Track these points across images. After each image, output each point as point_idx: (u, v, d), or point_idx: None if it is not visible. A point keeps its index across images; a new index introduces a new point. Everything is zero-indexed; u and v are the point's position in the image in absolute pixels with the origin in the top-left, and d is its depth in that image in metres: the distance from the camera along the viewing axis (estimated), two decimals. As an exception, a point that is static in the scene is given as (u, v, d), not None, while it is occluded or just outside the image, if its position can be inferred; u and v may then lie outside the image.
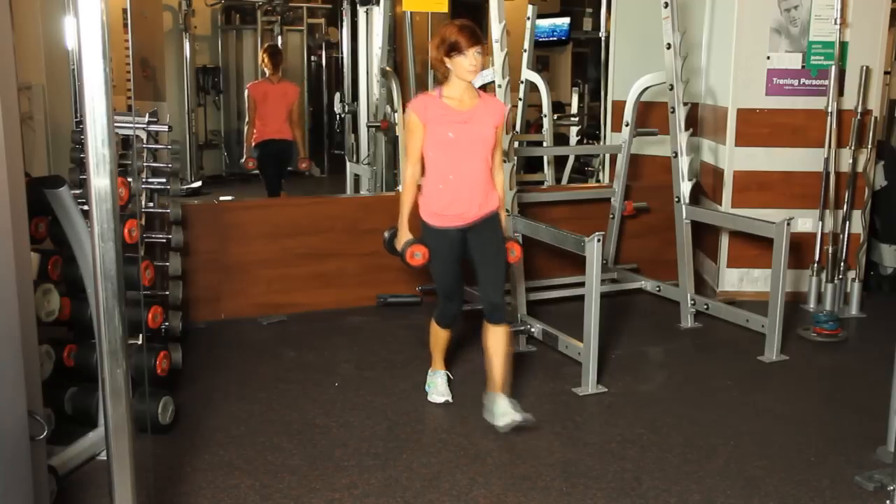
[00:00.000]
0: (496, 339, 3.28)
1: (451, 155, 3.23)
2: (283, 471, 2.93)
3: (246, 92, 6.23)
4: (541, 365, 3.99)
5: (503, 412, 3.16)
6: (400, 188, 3.45)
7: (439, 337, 3.54)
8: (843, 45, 4.83)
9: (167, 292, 3.80)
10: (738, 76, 4.93)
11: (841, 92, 4.85)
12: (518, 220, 4.26)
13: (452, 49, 3.16)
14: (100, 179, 1.75)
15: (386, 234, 3.54)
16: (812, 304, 4.91)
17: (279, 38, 10.14)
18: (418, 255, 3.27)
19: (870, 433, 3.22)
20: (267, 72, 6.18)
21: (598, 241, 3.62)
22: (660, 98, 4.96)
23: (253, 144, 6.17)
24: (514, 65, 5.13)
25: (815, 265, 4.92)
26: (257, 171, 6.44)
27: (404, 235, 3.33)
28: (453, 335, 3.61)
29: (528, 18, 6.79)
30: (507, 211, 3.69)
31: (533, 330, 4.10)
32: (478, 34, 3.19)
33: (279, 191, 6.38)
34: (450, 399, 3.53)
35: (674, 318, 4.70)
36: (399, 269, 4.93)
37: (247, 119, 6.23)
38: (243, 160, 6.38)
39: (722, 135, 5.06)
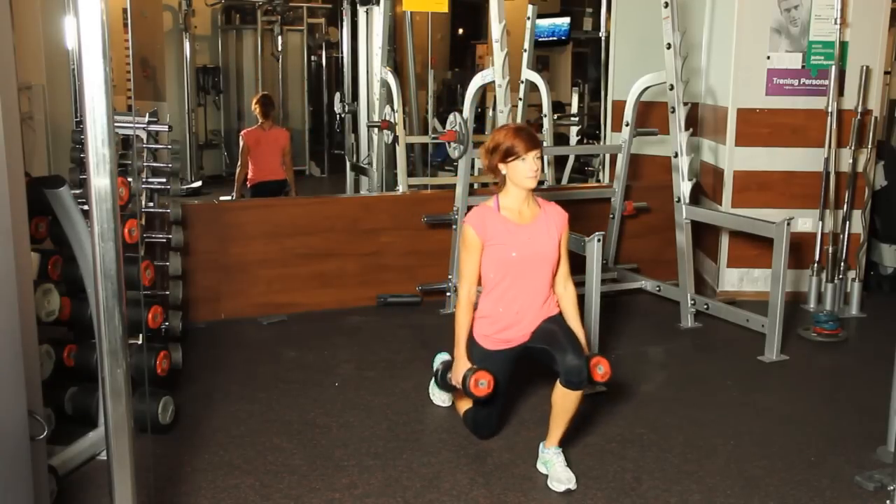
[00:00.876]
0: (569, 402, 2.84)
1: (512, 274, 2.95)
2: (283, 471, 2.93)
3: (240, 138, 6.51)
4: (541, 365, 3.98)
5: (559, 478, 2.82)
6: (455, 310, 3.05)
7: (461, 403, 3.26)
8: (843, 45, 4.83)
9: (167, 292, 3.80)
10: (738, 76, 4.93)
11: (841, 92, 4.85)
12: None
13: (509, 155, 2.88)
14: (100, 179, 1.75)
15: (438, 367, 3.26)
16: (812, 304, 4.91)
17: (279, 38, 10.15)
18: (483, 384, 2.86)
19: (870, 433, 3.22)
20: (259, 119, 6.44)
21: (599, 240, 3.62)
22: (660, 98, 4.97)
23: (248, 186, 6.43)
24: (514, 65, 5.13)
25: (816, 265, 4.92)
26: None
27: (463, 364, 2.95)
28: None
29: (528, 18, 6.79)
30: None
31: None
32: (535, 138, 2.93)
33: None
34: (449, 403, 3.52)
35: (674, 318, 4.70)
36: (399, 269, 4.96)
37: (239, 162, 6.47)
38: (233, 198, 6.58)
39: (722, 135, 5.06)
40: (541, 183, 6.34)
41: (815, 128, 4.89)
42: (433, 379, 3.57)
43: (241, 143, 6.44)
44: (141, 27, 7.79)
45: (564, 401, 2.84)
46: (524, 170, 2.89)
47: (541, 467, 2.93)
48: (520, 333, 3.01)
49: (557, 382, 2.83)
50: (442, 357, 3.48)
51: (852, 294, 4.91)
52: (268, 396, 3.60)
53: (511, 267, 2.95)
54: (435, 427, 3.34)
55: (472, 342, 3.04)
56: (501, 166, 2.93)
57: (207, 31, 10.09)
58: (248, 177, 6.41)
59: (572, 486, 2.80)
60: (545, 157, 6.48)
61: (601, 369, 2.88)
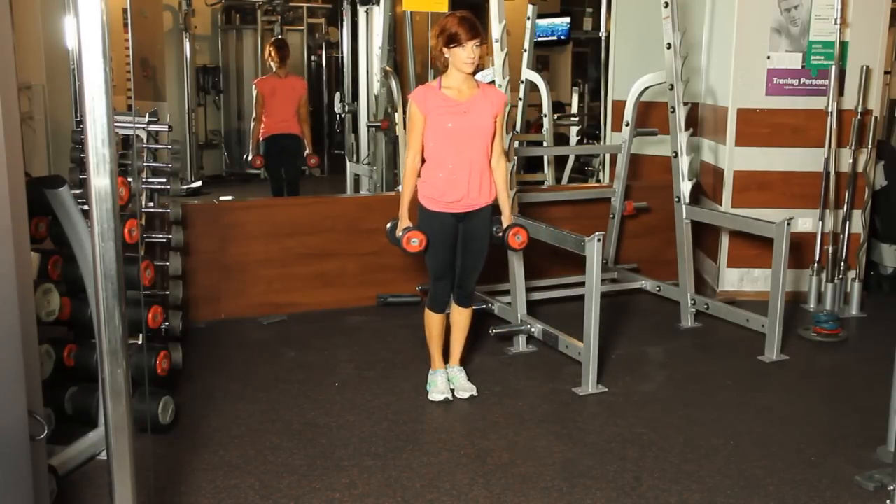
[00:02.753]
0: (463, 317, 3.58)
1: (450, 144, 3.32)
2: (283, 471, 2.93)
3: (253, 88, 6.15)
4: (541, 365, 4.00)
5: (464, 387, 3.55)
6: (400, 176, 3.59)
7: (434, 326, 3.58)
8: (844, 45, 4.83)
9: (167, 292, 3.80)
10: (738, 76, 4.93)
11: (841, 92, 4.85)
12: (518, 220, 4.25)
13: (451, 41, 3.23)
14: (100, 179, 1.75)
15: (388, 225, 3.61)
16: (812, 304, 4.91)
17: (279, 38, 10.14)
18: (415, 242, 3.35)
19: (870, 433, 3.22)
20: (274, 66, 6.09)
21: (599, 240, 3.62)
22: (660, 98, 4.96)
23: (261, 139, 6.07)
24: (514, 65, 5.13)
25: (816, 265, 4.92)
26: (262, 170, 6.35)
27: (404, 223, 3.41)
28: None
29: (529, 18, 6.79)
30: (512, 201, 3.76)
31: (533, 330, 4.10)
32: (477, 27, 3.25)
33: (283, 189, 6.33)
34: (450, 397, 3.54)
35: (674, 318, 4.70)
36: (399, 268, 4.96)
37: (254, 115, 6.11)
38: (250, 157, 6.22)
39: (722, 135, 5.06)
40: (540, 183, 6.41)
41: (815, 128, 4.89)
42: (429, 378, 3.59)
43: (254, 93, 6.05)
44: (141, 27, 7.79)
45: (461, 318, 3.59)
46: (463, 56, 3.24)
47: (444, 383, 3.55)
48: (458, 196, 3.36)
49: (454, 304, 3.56)
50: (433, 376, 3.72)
51: (852, 294, 4.91)
52: (268, 396, 3.60)
53: (448, 137, 3.32)
54: (435, 427, 3.34)
55: (420, 208, 3.42)
56: (445, 50, 3.27)
57: (207, 31, 10.08)
58: (262, 130, 6.03)
59: (474, 392, 3.53)
60: (545, 157, 6.51)
61: (519, 238, 3.49)
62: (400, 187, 3.57)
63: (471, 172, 3.34)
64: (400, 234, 3.39)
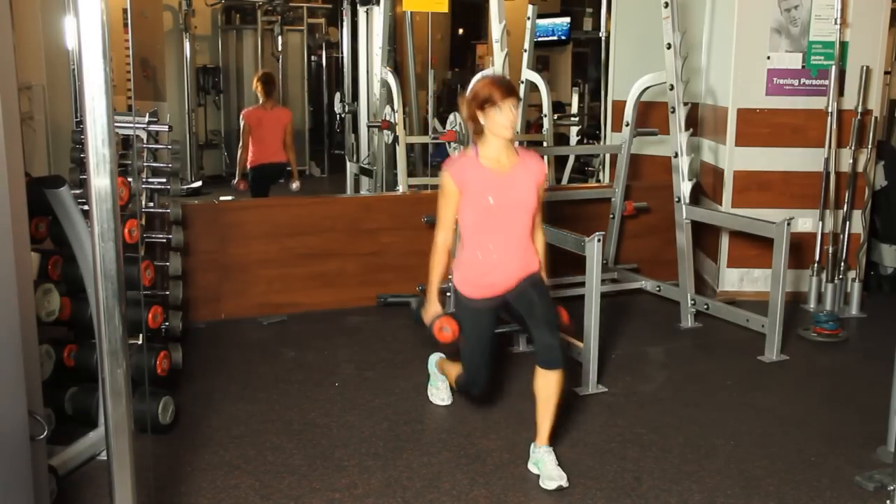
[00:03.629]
0: (549, 385, 2.91)
1: (490, 221, 2.98)
2: (284, 471, 2.93)
3: (241, 119, 6.34)
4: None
5: (550, 475, 2.84)
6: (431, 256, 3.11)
7: (452, 371, 3.36)
8: (844, 45, 4.83)
9: (167, 292, 3.80)
10: (738, 76, 4.93)
11: (841, 92, 4.85)
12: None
13: (486, 102, 2.90)
14: (100, 179, 1.75)
15: (413, 304, 3.35)
16: (812, 304, 4.91)
17: (279, 38, 10.15)
18: (447, 330, 3.00)
19: (870, 433, 3.22)
20: (261, 98, 6.27)
21: (599, 241, 3.62)
22: (660, 98, 4.96)
23: (248, 167, 6.27)
24: (514, 65, 5.14)
25: (816, 265, 4.92)
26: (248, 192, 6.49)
27: (433, 308, 3.07)
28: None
29: (528, 18, 6.79)
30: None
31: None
32: (513, 87, 2.98)
33: None
34: (449, 402, 3.53)
35: (674, 318, 4.70)
36: (399, 268, 4.96)
37: (240, 143, 6.31)
38: (234, 182, 6.44)
39: (722, 135, 5.06)
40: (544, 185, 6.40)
41: (815, 128, 4.89)
42: (429, 379, 3.58)
43: (241, 124, 6.23)
44: (141, 27, 7.79)
45: (546, 385, 2.91)
46: (501, 118, 2.91)
47: (532, 467, 2.95)
48: (498, 279, 3.03)
49: (537, 368, 2.92)
50: (437, 357, 3.51)
51: (852, 294, 4.91)
52: (268, 396, 3.60)
53: (489, 214, 2.98)
54: (435, 427, 3.34)
55: (457, 295, 3.12)
56: (479, 114, 2.94)
57: (207, 31, 10.08)
58: (249, 158, 6.21)
59: (564, 483, 2.81)
60: (545, 157, 6.50)
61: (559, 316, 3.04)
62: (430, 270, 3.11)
63: (514, 251, 3.01)
64: (429, 321, 3.06)
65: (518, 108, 2.97)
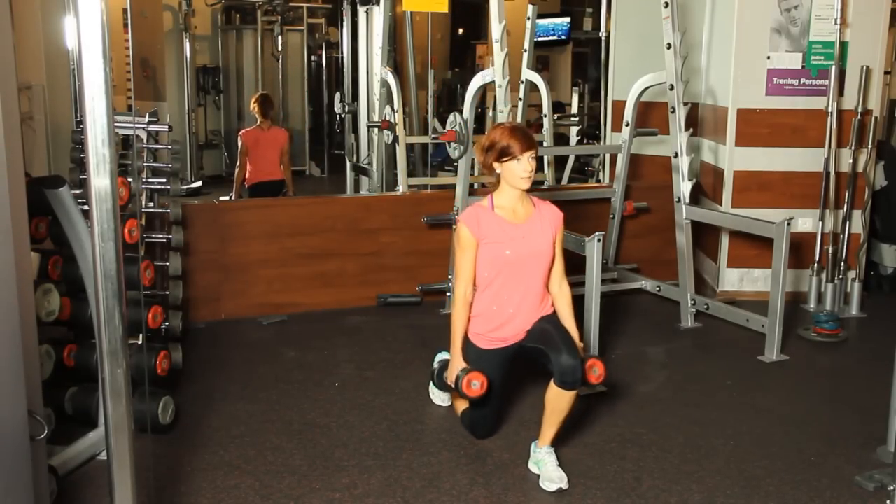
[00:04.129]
0: (562, 401, 2.85)
1: (507, 273, 2.94)
2: (284, 471, 2.93)
3: (238, 139, 6.43)
4: (535, 365, 3.97)
5: (550, 477, 2.82)
6: (450, 310, 3.06)
7: (459, 405, 3.27)
8: (844, 45, 4.83)
9: (167, 292, 3.80)
10: (738, 76, 4.93)
11: (841, 92, 4.85)
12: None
13: (503, 154, 2.86)
14: (100, 179, 1.75)
15: (435, 366, 3.27)
16: (812, 304, 4.91)
17: (279, 38, 10.15)
18: (476, 385, 2.88)
19: (870, 433, 3.22)
20: (258, 119, 6.34)
21: (599, 241, 3.62)
22: (660, 98, 4.96)
23: (246, 186, 6.36)
24: (514, 65, 5.13)
25: (816, 265, 4.92)
26: None
27: (458, 364, 2.96)
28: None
29: (528, 18, 6.79)
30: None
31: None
32: (531, 138, 2.91)
33: None
34: (449, 402, 3.52)
35: (674, 318, 4.70)
36: (399, 268, 4.96)
37: (237, 163, 6.40)
38: (231, 198, 6.51)
39: (722, 135, 5.06)
40: (540, 183, 6.40)
41: (815, 128, 4.89)
42: (432, 378, 3.57)
43: (239, 144, 6.39)
44: (141, 27, 7.79)
45: (559, 401, 2.85)
46: (519, 170, 2.87)
47: (532, 467, 2.94)
48: (514, 332, 3.01)
49: (552, 382, 2.84)
50: (442, 356, 3.49)
51: (852, 294, 4.91)
52: (268, 396, 3.60)
53: (505, 265, 2.94)
54: (435, 427, 3.34)
55: (467, 342, 3.04)
56: (496, 165, 2.91)
57: (207, 31, 10.08)
58: (246, 177, 6.37)
59: (564, 485, 2.80)
60: (545, 158, 6.50)
61: (596, 371, 2.89)
62: (451, 319, 3.03)
63: (531, 303, 2.98)
64: (455, 377, 2.94)
65: (535, 158, 2.91)
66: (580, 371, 2.81)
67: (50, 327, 3.10)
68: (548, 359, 2.86)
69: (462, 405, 3.22)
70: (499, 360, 3.04)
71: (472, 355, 3.01)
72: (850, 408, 3.55)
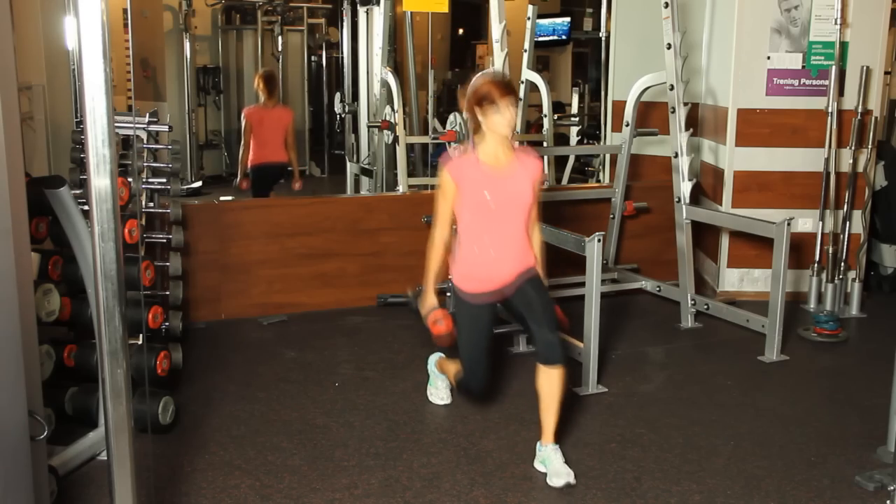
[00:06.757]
0: (551, 382, 2.93)
1: (487, 216, 3.02)
2: (284, 471, 2.93)
3: (242, 117, 6.25)
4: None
5: (557, 472, 2.86)
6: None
7: (451, 369, 3.36)
8: (844, 45, 4.83)
9: (167, 292, 3.80)
10: (738, 76, 4.93)
11: (841, 92, 4.84)
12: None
13: (484, 100, 2.94)
14: (100, 179, 1.75)
15: (410, 293, 3.37)
16: (812, 304, 4.91)
17: (279, 38, 10.15)
18: (440, 323, 3.03)
19: (870, 433, 3.22)
20: (262, 97, 6.19)
21: (599, 241, 3.62)
22: (660, 98, 4.96)
23: (249, 166, 6.19)
24: (514, 65, 5.14)
25: (816, 265, 4.92)
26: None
27: (430, 300, 3.10)
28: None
29: (529, 18, 6.80)
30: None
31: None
32: (511, 86, 3.00)
33: None
34: (448, 401, 3.53)
35: (674, 318, 4.70)
36: (399, 268, 4.96)
37: (242, 142, 6.23)
38: (237, 181, 6.36)
39: (722, 135, 5.06)
40: (541, 183, 6.40)
41: (816, 128, 4.89)
42: (430, 379, 3.58)
43: (242, 122, 6.18)
44: (141, 27, 7.80)
45: (549, 384, 2.94)
46: (498, 117, 2.94)
47: (538, 465, 2.96)
48: (497, 274, 3.06)
49: (538, 365, 2.94)
50: (436, 357, 3.51)
51: (852, 294, 4.91)
52: (268, 396, 3.60)
53: (485, 208, 3.01)
54: (435, 427, 3.34)
55: (455, 291, 3.14)
56: (478, 112, 2.98)
57: (207, 31, 10.08)
58: (250, 158, 6.15)
59: (571, 479, 2.84)
60: (545, 158, 6.50)
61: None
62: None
63: (511, 247, 3.05)
64: (424, 312, 3.09)
65: (517, 107, 3.00)
66: (560, 347, 2.94)
67: (50, 327, 3.10)
68: (530, 331, 3.02)
69: (453, 368, 3.28)
70: (486, 306, 3.12)
71: (461, 304, 3.12)
72: (850, 408, 3.55)
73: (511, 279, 3.05)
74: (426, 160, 7.61)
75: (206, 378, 3.79)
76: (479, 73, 3.11)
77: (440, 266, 3.12)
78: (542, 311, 2.97)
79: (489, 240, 3.04)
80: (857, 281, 4.90)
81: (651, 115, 5.45)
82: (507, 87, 2.97)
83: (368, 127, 6.98)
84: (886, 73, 5.16)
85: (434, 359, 3.55)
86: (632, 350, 4.25)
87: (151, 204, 3.93)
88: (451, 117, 4.44)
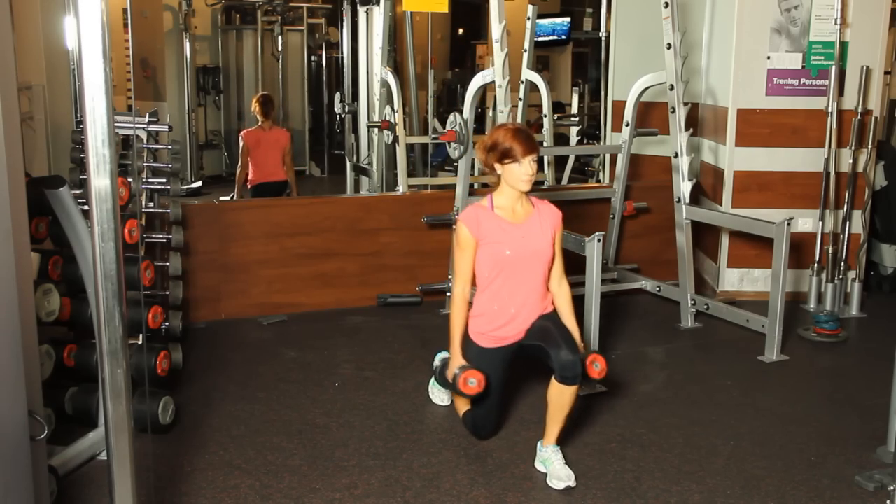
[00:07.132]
0: (564, 397, 2.86)
1: (507, 272, 2.96)
2: (284, 471, 2.93)
3: (240, 139, 6.38)
4: (540, 365, 3.97)
5: (558, 475, 2.84)
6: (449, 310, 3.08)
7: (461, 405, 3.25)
8: (844, 45, 4.83)
9: (167, 292, 3.80)
10: (738, 76, 4.93)
11: (841, 92, 4.85)
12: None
13: (505, 156, 2.88)
14: (100, 179, 1.75)
15: (437, 364, 3.30)
16: (812, 304, 4.91)
17: (279, 38, 10.15)
18: (473, 383, 2.88)
19: (870, 433, 3.22)
20: (259, 120, 6.30)
21: (599, 241, 3.62)
22: (660, 98, 4.97)
23: (249, 186, 6.33)
24: (514, 65, 5.13)
25: (816, 265, 4.92)
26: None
27: (457, 361, 2.97)
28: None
29: (529, 18, 6.79)
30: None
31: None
32: (533, 140, 2.92)
33: None
34: (449, 402, 3.53)
35: (674, 318, 4.70)
36: (399, 268, 4.96)
37: (239, 163, 6.35)
38: (234, 198, 6.48)
39: (722, 135, 5.06)
40: (541, 183, 6.40)
41: (815, 128, 4.89)
42: (433, 377, 3.57)
43: (240, 144, 6.35)
44: (141, 27, 7.80)
45: (560, 397, 2.86)
46: (519, 173, 2.89)
47: (539, 466, 2.95)
48: (515, 331, 3.01)
49: (553, 379, 2.85)
50: (442, 355, 3.49)
51: (852, 294, 4.91)
52: (268, 396, 3.60)
53: (505, 265, 2.95)
54: (435, 427, 3.34)
55: (467, 341, 3.05)
56: (497, 166, 2.93)
57: (207, 31, 10.09)
58: (249, 178, 6.33)
59: (571, 483, 2.82)
60: (545, 158, 6.50)
61: (597, 366, 2.90)
62: (449, 317, 3.06)
63: (532, 302, 2.98)
64: (453, 374, 2.95)
65: (536, 161, 2.92)
66: (580, 366, 2.82)
67: (50, 327, 3.10)
68: (548, 356, 2.87)
69: (464, 406, 3.22)
70: (499, 359, 3.05)
71: (472, 354, 3.01)
72: (850, 408, 3.55)
73: (526, 331, 3.01)
74: (426, 160, 7.62)
75: (206, 378, 3.79)
76: (499, 126, 3.05)
77: (464, 324, 3.02)
78: (559, 336, 2.89)
79: (508, 296, 2.98)
80: (856, 281, 4.90)
81: (651, 115, 5.45)
82: (530, 143, 2.90)
83: (368, 127, 6.98)
84: (886, 72, 5.16)
85: (440, 357, 3.52)
86: (632, 350, 4.25)
87: (151, 204, 3.94)
88: (451, 117, 4.43)
